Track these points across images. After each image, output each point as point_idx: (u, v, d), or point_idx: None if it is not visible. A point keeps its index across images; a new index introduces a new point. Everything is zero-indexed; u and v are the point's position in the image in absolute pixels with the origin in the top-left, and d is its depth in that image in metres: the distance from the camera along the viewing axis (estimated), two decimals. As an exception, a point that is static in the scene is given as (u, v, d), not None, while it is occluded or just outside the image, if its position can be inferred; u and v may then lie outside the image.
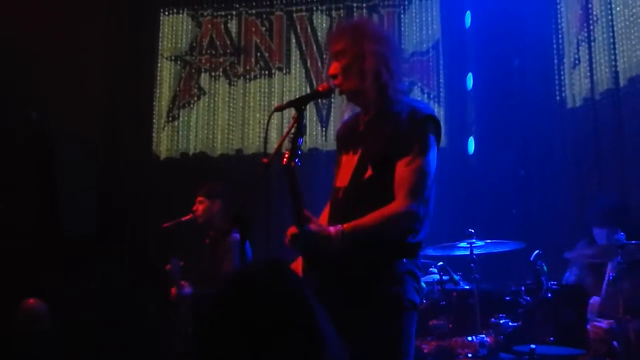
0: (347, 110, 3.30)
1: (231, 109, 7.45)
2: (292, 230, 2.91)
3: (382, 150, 3.01)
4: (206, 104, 7.50)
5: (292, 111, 3.00)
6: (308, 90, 7.20)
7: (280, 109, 3.13)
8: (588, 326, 4.51)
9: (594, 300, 4.67)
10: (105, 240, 7.03)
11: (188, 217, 5.90)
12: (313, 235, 2.86)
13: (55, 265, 6.55)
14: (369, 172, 3.00)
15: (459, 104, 6.93)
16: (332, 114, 7.13)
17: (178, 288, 5.60)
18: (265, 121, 7.04)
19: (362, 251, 2.89)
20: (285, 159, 2.84)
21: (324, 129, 7.16)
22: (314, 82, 7.26)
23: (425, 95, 6.98)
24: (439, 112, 6.76)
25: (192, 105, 7.52)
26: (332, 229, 2.88)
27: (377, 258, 2.92)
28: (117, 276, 6.84)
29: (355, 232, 2.87)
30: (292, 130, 2.91)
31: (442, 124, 3.15)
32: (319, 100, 6.92)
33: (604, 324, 4.42)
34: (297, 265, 3.17)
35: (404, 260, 2.95)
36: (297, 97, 3.10)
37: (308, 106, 3.06)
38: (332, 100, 6.56)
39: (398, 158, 2.96)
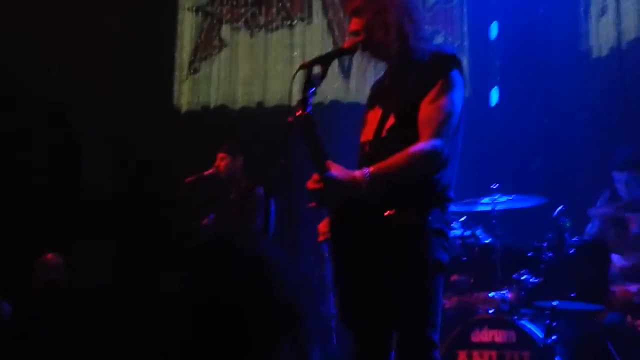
0: (370, 65, 3.22)
1: (252, 61, 7.37)
2: (316, 176, 2.86)
3: (406, 97, 2.98)
4: (227, 56, 7.42)
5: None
6: (330, 41, 7.14)
7: (306, 66, 2.99)
8: (615, 288, 4.49)
9: (616, 258, 4.63)
10: (124, 198, 7.00)
11: (210, 171, 5.92)
12: (337, 181, 2.79)
13: (72, 225, 6.57)
14: (393, 121, 2.97)
15: (483, 54, 6.81)
16: (353, 65, 7.03)
17: None
18: (287, 73, 6.98)
19: (389, 201, 2.86)
20: (297, 113, 2.80)
21: (345, 80, 7.06)
22: (336, 33, 7.16)
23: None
24: (463, 62, 6.63)
25: (213, 58, 7.44)
26: (357, 172, 2.83)
27: (403, 212, 2.87)
28: (135, 239, 6.81)
29: (381, 172, 2.82)
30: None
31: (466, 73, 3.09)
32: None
33: (633, 287, 4.40)
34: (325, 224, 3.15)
35: (431, 217, 2.90)
36: (322, 52, 3.06)
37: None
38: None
39: (422, 99, 2.93)
